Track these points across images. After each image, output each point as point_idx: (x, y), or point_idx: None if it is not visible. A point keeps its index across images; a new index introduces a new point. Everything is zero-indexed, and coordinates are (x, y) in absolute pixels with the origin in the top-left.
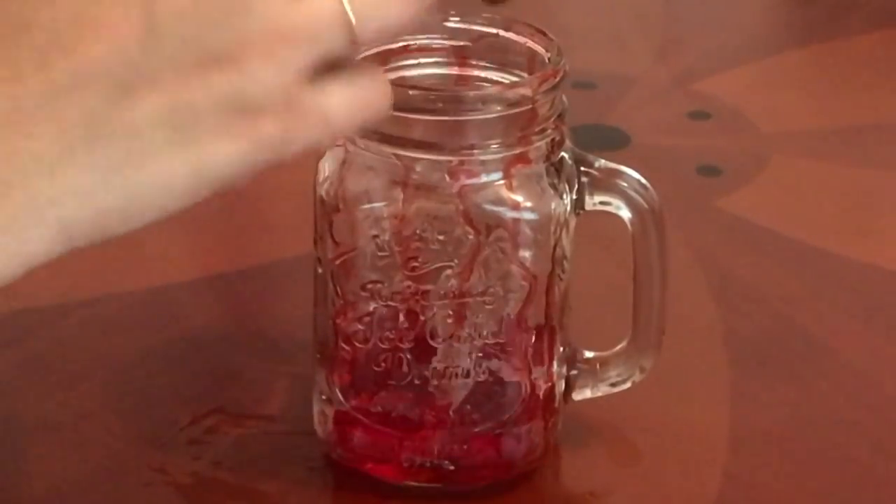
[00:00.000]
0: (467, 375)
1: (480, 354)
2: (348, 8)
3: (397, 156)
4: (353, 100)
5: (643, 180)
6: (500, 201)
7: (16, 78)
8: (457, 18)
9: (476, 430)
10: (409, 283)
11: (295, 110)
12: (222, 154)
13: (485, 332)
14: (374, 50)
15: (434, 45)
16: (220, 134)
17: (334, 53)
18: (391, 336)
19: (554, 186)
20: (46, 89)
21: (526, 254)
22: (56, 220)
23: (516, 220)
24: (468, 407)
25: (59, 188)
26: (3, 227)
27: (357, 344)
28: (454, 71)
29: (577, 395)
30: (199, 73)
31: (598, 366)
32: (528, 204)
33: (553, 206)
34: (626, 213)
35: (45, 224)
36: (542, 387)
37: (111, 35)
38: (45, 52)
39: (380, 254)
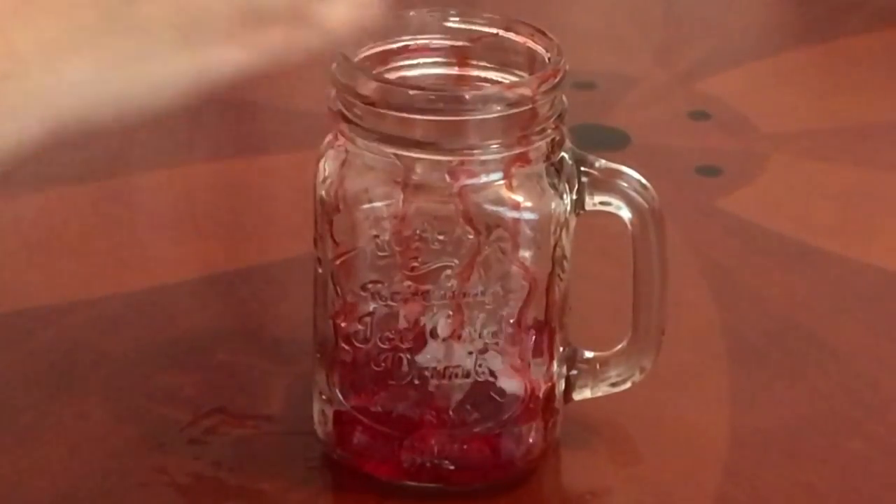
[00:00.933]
0: (467, 375)
1: (480, 354)
2: None
3: (397, 156)
4: (350, 6)
5: (643, 180)
6: (501, 201)
7: None
8: (457, 18)
9: (476, 430)
10: (410, 283)
11: (300, 19)
12: (230, 59)
13: (485, 332)
14: (375, 50)
15: (434, 45)
16: (230, 39)
17: None
18: (391, 336)
19: (554, 186)
20: None
21: (526, 254)
22: (49, 108)
23: (516, 220)
24: (468, 407)
25: (56, 79)
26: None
27: (357, 344)
28: (454, 71)
29: (577, 395)
30: None
31: (598, 366)
32: (528, 204)
33: (553, 206)
34: (626, 213)
35: (39, 112)
36: (542, 387)
37: None
38: None
39: (380, 254)
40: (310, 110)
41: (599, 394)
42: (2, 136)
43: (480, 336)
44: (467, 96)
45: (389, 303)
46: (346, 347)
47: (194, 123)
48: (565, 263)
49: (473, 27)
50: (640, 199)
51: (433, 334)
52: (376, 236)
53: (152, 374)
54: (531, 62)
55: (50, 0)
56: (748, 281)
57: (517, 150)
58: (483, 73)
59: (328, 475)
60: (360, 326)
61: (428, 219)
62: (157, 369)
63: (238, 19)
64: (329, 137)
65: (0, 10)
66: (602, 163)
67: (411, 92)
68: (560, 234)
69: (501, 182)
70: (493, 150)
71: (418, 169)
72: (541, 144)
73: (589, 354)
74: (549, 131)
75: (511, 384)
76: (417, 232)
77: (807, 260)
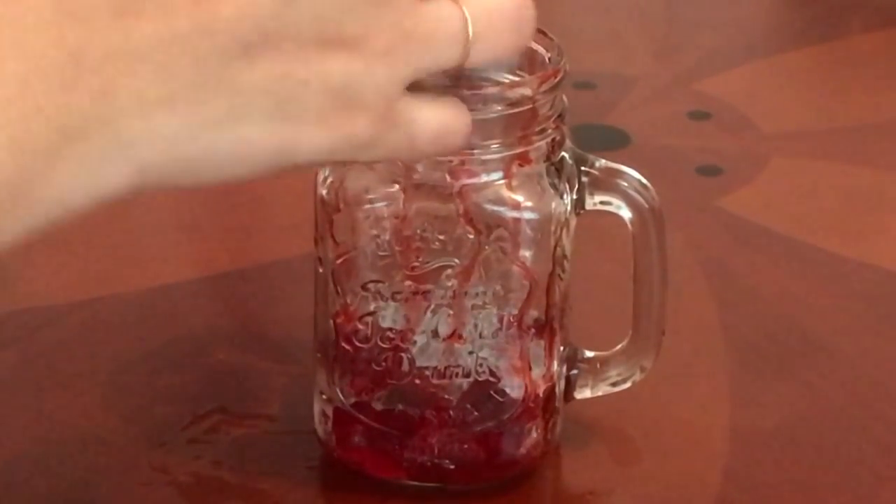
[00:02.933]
0: (468, 375)
1: (481, 354)
2: (470, 24)
3: None
4: (440, 122)
5: (643, 180)
6: (501, 201)
7: (135, 18)
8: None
9: (476, 429)
10: (410, 282)
11: (389, 115)
12: (313, 140)
13: (485, 332)
14: None
15: None
16: (319, 120)
17: (441, 67)
18: (392, 336)
19: (554, 186)
20: (164, 33)
21: (526, 253)
22: (136, 161)
23: (517, 220)
24: (468, 406)
25: (147, 132)
26: (84, 159)
27: (358, 343)
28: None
29: (577, 395)
30: (320, 51)
31: (598, 365)
32: (529, 204)
33: (553, 205)
34: (626, 213)
35: (125, 163)
36: (542, 387)
37: None
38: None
39: (380, 253)
40: None
41: (599, 393)
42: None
43: (481, 336)
44: (467, 96)
45: (390, 302)
46: (347, 347)
47: None
48: (565, 263)
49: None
50: (640, 199)
51: (434, 334)
52: (377, 236)
53: (152, 374)
54: (531, 62)
55: (148, 49)
56: (748, 281)
57: (517, 150)
58: (483, 73)
59: (328, 475)
60: (360, 326)
61: (428, 218)
62: (157, 369)
63: (330, 102)
64: None
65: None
66: (602, 162)
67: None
68: (560, 234)
69: (502, 182)
70: (494, 150)
71: (419, 168)
72: (541, 144)
73: (589, 354)
74: (550, 131)
75: (511, 384)
76: (418, 231)
77: (807, 260)
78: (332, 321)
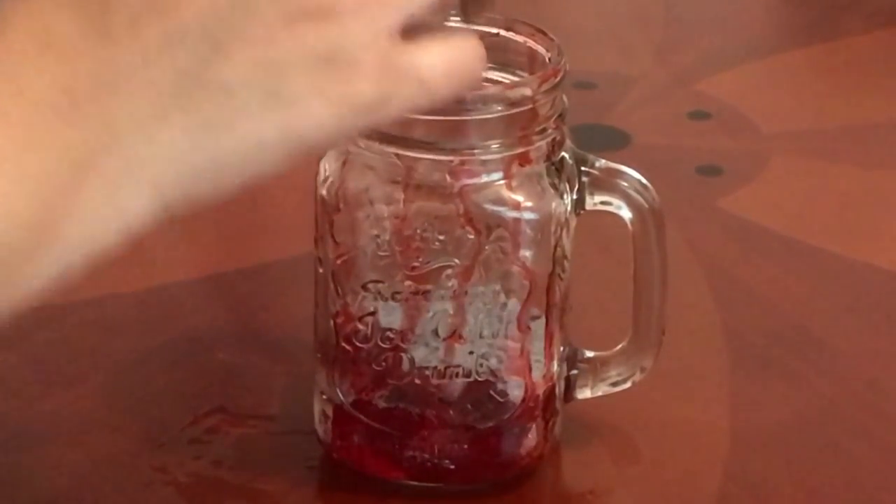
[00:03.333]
0: (468, 375)
1: (481, 354)
2: None
3: (398, 156)
4: (448, 59)
5: (643, 180)
6: (501, 201)
7: (109, 42)
8: (457, 18)
9: (476, 429)
10: (410, 282)
11: (388, 68)
12: (314, 116)
13: (485, 332)
14: None
15: None
16: (312, 95)
17: (424, 13)
18: (392, 336)
19: (554, 186)
20: (139, 51)
21: (526, 253)
22: (150, 180)
23: (517, 220)
24: (468, 406)
25: (153, 149)
26: (100, 189)
27: (358, 343)
28: None
29: (578, 395)
30: (289, 28)
31: (598, 366)
32: (529, 204)
33: (553, 205)
34: (626, 213)
35: (140, 184)
36: (542, 387)
37: None
38: (136, 15)
39: (380, 253)
40: None
41: (599, 394)
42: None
43: (481, 336)
44: (467, 96)
45: (390, 302)
46: (347, 347)
47: None
48: (565, 263)
49: (473, 27)
50: (640, 199)
51: (434, 334)
52: (377, 236)
53: (152, 374)
54: (532, 62)
55: (129, 68)
56: (748, 281)
57: (518, 150)
58: (483, 73)
59: (328, 475)
60: (360, 326)
61: (429, 218)
62: (157, 369)
63: (319, 74)
64: None
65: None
66: (602, 163)
67: None
68: (560, 234)
69: (502, 182)
70: (494, 150)
71: (419, 169)
72: (541, 144)
73: (589, 354)
74: (550, 131)
75: (511, 384)
76: (418, 231)
77: (807, 260)
78: (332, 321)
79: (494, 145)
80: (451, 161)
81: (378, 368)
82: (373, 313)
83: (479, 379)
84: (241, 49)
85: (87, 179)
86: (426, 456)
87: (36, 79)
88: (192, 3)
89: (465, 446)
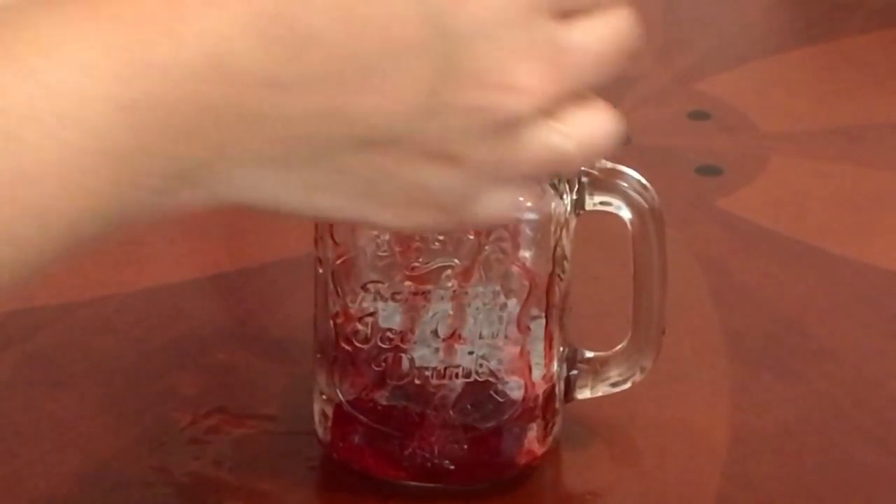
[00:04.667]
0: (468, 375)
1: (481, 354)
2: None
3: None
4: (592, 132)
5: (643, 180)
6: None
7: (282, 88)
8: None
9: (476, 429)
10: (410, 282)
11: (459, 211)
12: (382, 219)
13: (485, 332)
14: None
15: None
16: (393, 206)
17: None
18: (392, 336)
19: (554, 186)
20: (301, 110)
21: (526, 254)
22: (227, 199)
23: (516, 221)
24: (468, 406)
25: (250, 183)
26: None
27: (358, 344)
28: None
29: (577, 396)
30: (429, 160)
31: (598, 366)
32: (529, 204)
33: (553, 206)
34: (626, 213)
35: (215, 198)
36: (542, 387)
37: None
38: (315, 79)
39: (380, 254)
40: None
41: (599, 394)
42: None
43: (481, 336)
44: None
45: (390, 302)
46: (347, 347)
47: None
48: (565, 263)
49: None
50: (640, 199)
51: (434, 334)
52: (377, 236)
53: (152, 374)
54: None
55: (283, 120)
56: (748, 281)
57: None
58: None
59: (328, 475)
60: (360, 326)
61: None
62: (157, 369)
63: (410, 198)
64: None
65: None
66: (602, 163)
67: None
68: (560, 234)
69: None
70: None
71: None
72: None
73: (589, 354)
74: None
75: (511, 384)
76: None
77: (806, 260)
78: (332, 321)
79: None
80: None
81: (378, 369)
82: (372, 314)
83: (479, 379)
84: (381, 153)
85: (180, 191)
86: (426, 456)
87: (178, 87)
88: (377, 95)
89: (465, 446)
